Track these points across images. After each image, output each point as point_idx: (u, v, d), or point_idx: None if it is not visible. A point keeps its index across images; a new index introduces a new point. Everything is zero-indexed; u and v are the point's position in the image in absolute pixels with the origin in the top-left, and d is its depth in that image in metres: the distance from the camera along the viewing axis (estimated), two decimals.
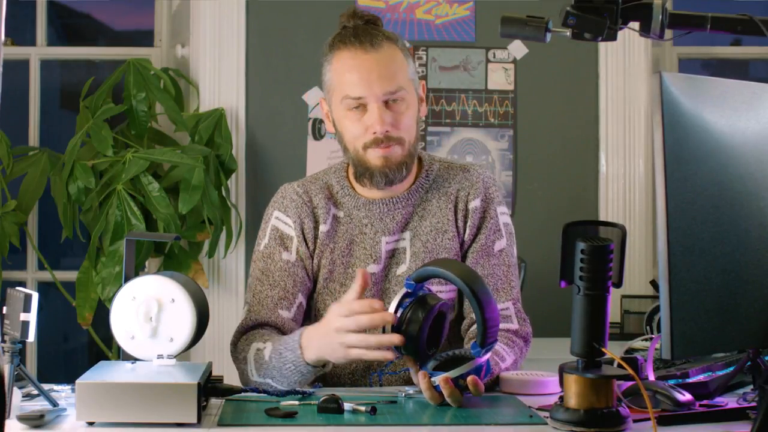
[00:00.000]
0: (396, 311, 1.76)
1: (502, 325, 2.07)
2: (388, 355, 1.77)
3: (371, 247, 2.09)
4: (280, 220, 2.13)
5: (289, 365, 1.90)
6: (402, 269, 2.08)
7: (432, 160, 2.17)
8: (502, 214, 2.14)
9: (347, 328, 1.78)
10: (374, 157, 2.04)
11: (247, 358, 1.98)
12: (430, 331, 1.76)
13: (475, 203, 2.11)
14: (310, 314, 2.14)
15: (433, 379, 1.72)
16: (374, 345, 1.77)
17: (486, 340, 1.72)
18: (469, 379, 1.72)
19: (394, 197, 2.10)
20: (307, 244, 2.10)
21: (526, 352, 2.10)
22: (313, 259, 2.11)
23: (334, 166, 2.19)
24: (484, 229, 2.11)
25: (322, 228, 2.10)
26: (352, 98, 2.02)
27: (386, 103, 2.02)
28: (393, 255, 2.10)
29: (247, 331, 2.05)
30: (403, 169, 2.05)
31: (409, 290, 1.77)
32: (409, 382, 1.96)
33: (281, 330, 2.05)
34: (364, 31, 2.05)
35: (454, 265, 1.78)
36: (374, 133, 2.02)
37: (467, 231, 2.11)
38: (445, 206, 2.11)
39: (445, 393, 1.72)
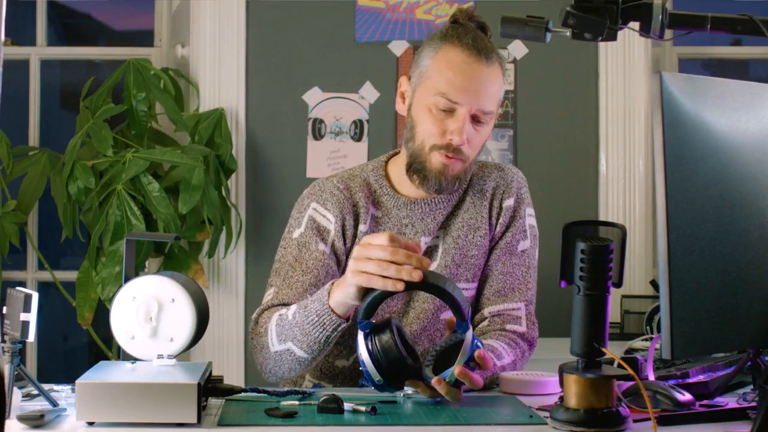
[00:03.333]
0: (366, 352, 1.74)
1: (509, 326, 2.07)
2: (399, 285, 1.69)
3: None
4: (317, 212, 2.08)
5: (312, 317, 1.85)
6: (432, 266, 2.08)
7: None
8: (530, 216, 2.16)
9: (365, 255, 1.72)
10: (437, 161, 2.02)
11: (268, 328, 1.94)
12: (404, 347, 1.76)
13: (509, 202, 2.13)
14: None
15: (447, 378, 1.71)
16: (393, 274, 1.69)
17: (464, 314, 1.72)
18: (477, 354, 1.71)
19: (436, 197, 2.09)
20: (344, 241, 2.07)
21: (528, 356, 2.09)
22: (347, 257, 2.07)
23: (370, 164, 2.16)
24: (511, 228, 2.12)
25: (362, 228, 2.08)
26: (449, 100, 1.99)
27: (472, 118, 2.01)
28: (426, 253, 2.09)
29: (270, 308, 2.02)
30: (456, 182, 2.05)
31: (367, 330, 1.75)
32: None
33: None
34: (482, 40, 2.02)
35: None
36: (450, 140, 1.99)
37: (497, 228, 2.12)
38: (479, 203, 2.12)
39: (442, 392, 1.71)
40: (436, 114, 2.01)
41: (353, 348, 2.07)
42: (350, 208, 2.08)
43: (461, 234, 2.09)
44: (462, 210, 2.11)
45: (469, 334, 1.73)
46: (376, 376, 1.73)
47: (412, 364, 1.74)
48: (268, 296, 2.05)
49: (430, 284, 1.72)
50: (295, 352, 1.90)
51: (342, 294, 1.80)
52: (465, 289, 2.07)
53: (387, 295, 1.73)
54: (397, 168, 2.12)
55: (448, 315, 2.09)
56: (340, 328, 1.85)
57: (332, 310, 1.83)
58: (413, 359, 1.76)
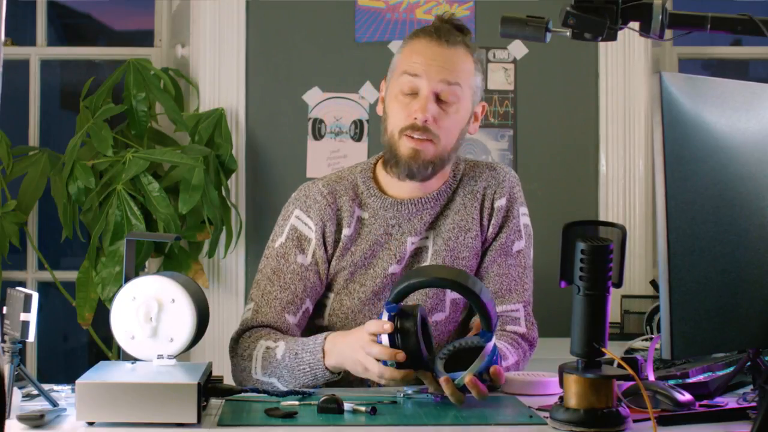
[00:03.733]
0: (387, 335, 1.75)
1: (509, 327, 2.07)
2: (401, 385, 1.79)
3: (396, 248, 2.07)
4: (300, 219, 2.09)
5: (304, 366, 1.89)
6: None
7: (458, 160, 2.15)
8: (523, 215, 2.14)
9: (376, 356, 1.77)
10: (405, 146, 2.02)
11: (253, 356, 1.97)
12: (423, 338, 1.77)
13: (500, 202, 2.11)
14: (322, 312, 2.12)
15: (456, 381, 1.71)
16: (387, 378, 1.77)
17: (491, 324, 1.73)
18: (493, 370, 1.72)
19: (423, 198, 2.08)
20: (326, 248, 2.08)
21: (530, 356, 2.09)
22: (330, 263, 2.08)
23: (360, 165, 2.16)
24: (505, 228, 2.11)
25: (346, 231, 2.08)
26: (410, 74, 2.01)
27: (438, 98, 2.01)
28: (415, 254, 2.09)
29: (250, 329, 2.04)
30: (429, 167, 2.03)
31: (393, 313, 1.76)
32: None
33: (284, 333, 2.04)
34: (448, 30, 2.05)
35: (429, 270, 1.79)
36: (415, 118, 2.00)
37: (490, 229, 2.11)
38: (470, 204, 2.10)
39: (447, 392, 1.71)
40: (402, 99, 2.03)
41: None
42: (332, 214, 2.08)
43: (452, 236, 2.08)
44: (452, 211, 2.10)
45: (491, 345, 1.74)
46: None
47: (427, 358, 1.75)
48: (247, 313, 2.06)
49: (465, 288, 1.72)
50: (279, 386, 1.93)
51: (348, 366, 1.85)
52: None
53: (421, 286, 1.76)
54: (384, 168, 2.13)
55: (439, 317, 2.08)
56: (333, 378, 1.91)
57: (327, 368, 1.89)
58: (429, 351, 1.77)
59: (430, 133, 2.01)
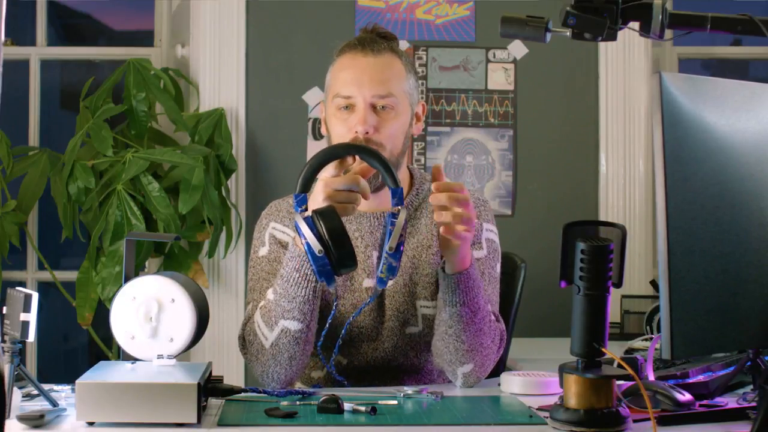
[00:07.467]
0: (313, 232, 1.76)
1: None
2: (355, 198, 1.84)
3: (363, 261, 2.07)
4: (277, 230, 2.11)
5: (294, 275, 1.89)
6: (389, 284, 2.06)
7: (423, 180, 2.16)
8: (488, 231, 2.12)
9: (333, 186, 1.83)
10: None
11: (255, 329, 1.96)
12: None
13: None
14: None
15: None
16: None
17: (397, 180, 1.82)
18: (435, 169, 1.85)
19: (385, 211, 2.07)
20: None
21: (500, 344, 2.04)
22: None
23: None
24: None
25: None
26: (342, 97, 2.04)
27: (374, 108, 2.03)
28: None
29: (249, 318, 2.02)
30: (378, 176, 2.01)
31: (303, 208, 1.78)
32: (399, 372, 2.00)
33: None
34: (371, 39, 2.08)
35: (326, 149, 1.87)
36: (356, 132, 2.01)
37: None
38: (431, 223, 2.09)
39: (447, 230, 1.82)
40: (340, 116, 2.05)
41: (327, 357, 2.08)
42: None
43: (415, 253, 2.07)
44: (417, 231, 2.09)
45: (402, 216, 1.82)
46: (317, 246, 1.75)
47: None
48: (247, 311, 2.06)
49: (363, 148, 1.86)
50: (289, 328, 1.91)
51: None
52: (426, 307, 2.06)
53: (325, 160, 1.84)
54: None
55: (415, 330, 2.08)
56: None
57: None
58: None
59: (374, 143, 2.01)
